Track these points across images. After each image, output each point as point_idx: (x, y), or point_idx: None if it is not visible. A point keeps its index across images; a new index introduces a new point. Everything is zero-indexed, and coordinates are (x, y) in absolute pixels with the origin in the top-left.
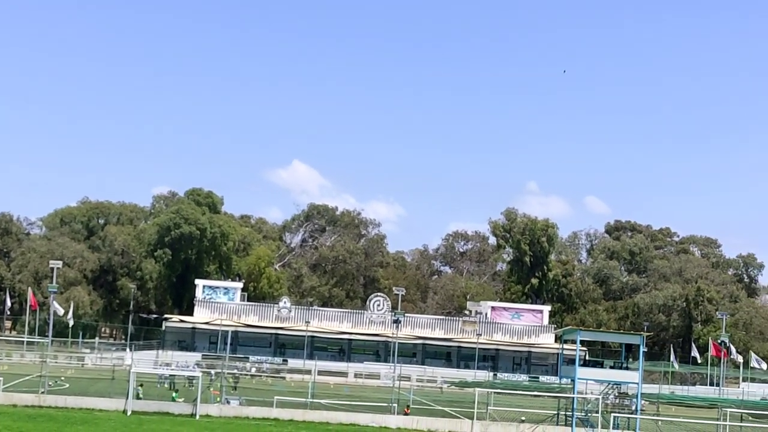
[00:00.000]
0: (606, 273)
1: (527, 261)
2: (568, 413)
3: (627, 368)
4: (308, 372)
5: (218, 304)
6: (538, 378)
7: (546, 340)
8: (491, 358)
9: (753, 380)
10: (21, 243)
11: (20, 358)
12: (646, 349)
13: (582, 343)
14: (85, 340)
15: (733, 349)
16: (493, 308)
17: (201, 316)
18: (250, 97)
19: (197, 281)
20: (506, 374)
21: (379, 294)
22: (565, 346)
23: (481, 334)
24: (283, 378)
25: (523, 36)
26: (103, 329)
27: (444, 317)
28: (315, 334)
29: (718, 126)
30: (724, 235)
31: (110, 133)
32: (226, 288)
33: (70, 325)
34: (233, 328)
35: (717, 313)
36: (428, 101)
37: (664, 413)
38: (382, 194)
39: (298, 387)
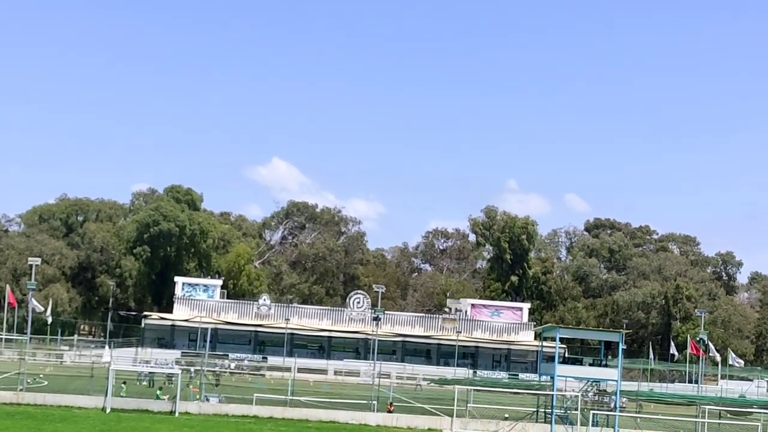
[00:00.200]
0: (585, 270)
1: (507, 258)
2: (547, 410)
3: (606, 365)
4: (288, 369)
5: (198, 301)
6: (517, 375)
7: (525, 338)
8: (471, 356)
9: (731, 377)
10: None
11: None
12: (625, 347)
13: (561, 340)
14: (64, 338)
15: (711, 346)
16: (472, 306)
17: (180, 314)
18: (230, 94)
19: (177, 278)
20: (486, 371)
21: (359, 291)
22: (545, 343)
23: (460, 332)
24: (263, 375)
25: (503, 35)
26: (82, 326)
27: (424, 315)
28: (295, 332)
29: (697, 125)
30: (703, 233)
31: (89, 129)
32: (205, 285)
33: (49, 323)
34: (213, 326)
35: (696, 310)
36: (408, 99)
37: (643, 411)
38: (362, 192)
39: (277, 384)
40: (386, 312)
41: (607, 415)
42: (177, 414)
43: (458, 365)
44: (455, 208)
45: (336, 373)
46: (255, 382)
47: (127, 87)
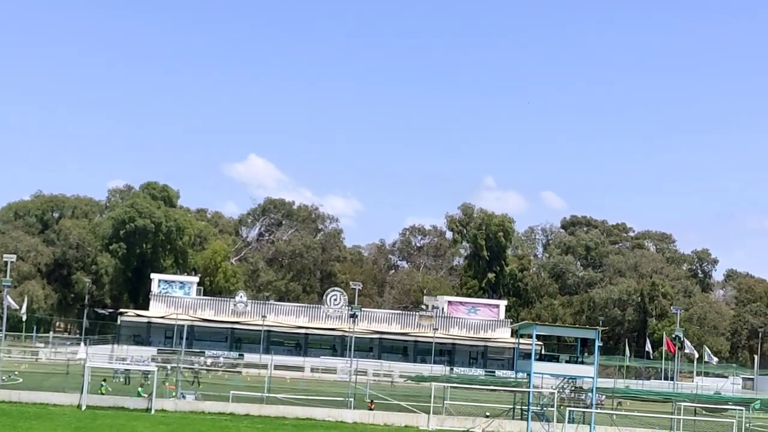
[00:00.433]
0: (562, 268)
1: (484, 256)
2: (523, 407)
3: (582, 362)
4: (264, 366)
5: (174, 298)
6: (494, 372)
7: (502, 335)
8: (447, 353)
9: (707, 374)
10: None
11: None
12: (601, 344)
13: (538, 337)
14: (39, 335)
15: (687, 343)
16: (449, 303)
17: (156, 311)
18: (207, 90)
19: (153, 275)
20: (462, 368)
21: (335, 288)
22: (521, 340)
23: (437, 329)
24: (239, 372)
25: (482, 34)
26: (57, 323)
27: (401, 312)
28: (271, 329)
29: (673, 123)
30: (678, 231)
31: (65, 125)
32: (181, 282)
33: (24, 320)
34: (189, 323)
35: (671, 307)
36: (386, 96)
37: (614, 407)
38: (339, 189)
39: (254, 381)
40: (363, 309)
41: (584, 412)
42: (153, 411)
43: (435, 362)
44: (432, 205)
45: (313, 370)
46: (231, 380)
47: (103, 83)
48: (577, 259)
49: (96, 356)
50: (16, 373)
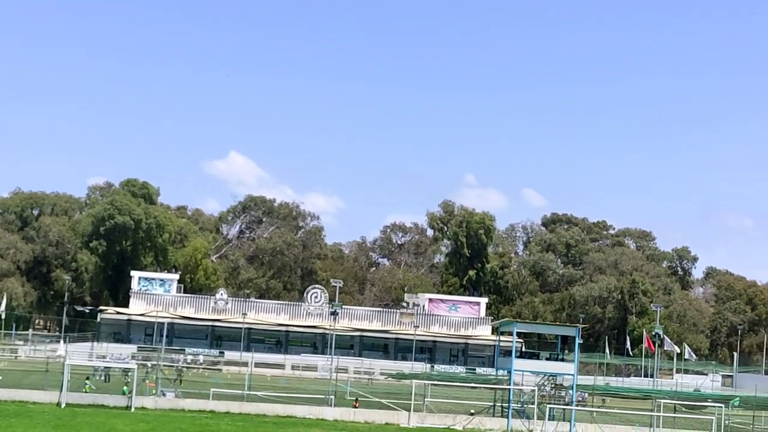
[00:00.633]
0: (542, 265)
1: (465, 253)
2: (504, 404)
3: (563, 360)
4: (245, 364)
5: (154, 295)
6: (474, 370)
7: (483, 332)
8: (428, 350)
9: (686, 372)
10: None
11: None
12: (581, 341)
13: (518, 334)
14: (19, 332)
15: (667, 340)
16: (430, 300)
17: (137, 308)
18: (188, 87)
19: (133, 273)
20: (443, 366)
21: (316, 286)
22: (502, 337)
23: (418, 326)
24: (220, 370)
25: (461, 32)
26: (36, 321)
27: (381, 309)
28: (252, 326)
29: (653, 122)
30: (658, 229)
31: (45, 122)
32: (162, 280)
33: (3, 317)
34: (169, 320)
35: (651, 305)
36: (366, 94)
37: (599, 404)
38: (320, 186)
39: (234, 379)
40: (344, 306)
41: (564, 409)
42: (133, 409)
43: (416, 360)
44: (413, 203)
45: (293, 367)
46: (212, 377)
47: (83, 80)
48: (558, 256)
49: (76, 354)
50: None
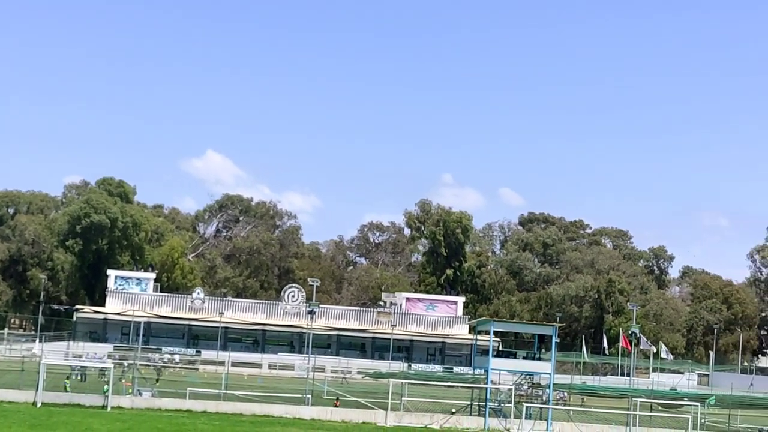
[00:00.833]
0: (519, 264)
1: (442, 252)
2: (481, 403)
3: (540, 359)
4: (222, 363)
5: (130, 294)
6: (452, 368)
7: (460, 331)
8: (405, 349)
9: (662, 370)
10: None
11: None
12: (558, 340)
13: (495, 333)
14: None
15: (643, 339)
16: (407, 299)
17: (113, 307)
18: (165, 85)
19: (109, 272)
20: (420, 365)
21: (293, 285)
22: (479, 336)
23: (395, 325)
24: (197, 369)
25: (439, 31)
26: (12, 320)
27: (359, 308)
28: (229, 325)
29: (630, 123)
30: (635, 228)
31: (20, 120)
32: (138, 278)
33: None
34: (146, 319)
35: (628, 304)
36: (344, 92)
37: (576, 403)
38: (297, 185)
39: (211, 378)
40: (321, 306)
41: (540, 408)
42: (109, 408)
43: (393, 359)
44: (391, 202)
45: (270, 366)
46: (189, 376)
47: (61, 78)
48: (535, 255)
49: (52, 353)
50: None
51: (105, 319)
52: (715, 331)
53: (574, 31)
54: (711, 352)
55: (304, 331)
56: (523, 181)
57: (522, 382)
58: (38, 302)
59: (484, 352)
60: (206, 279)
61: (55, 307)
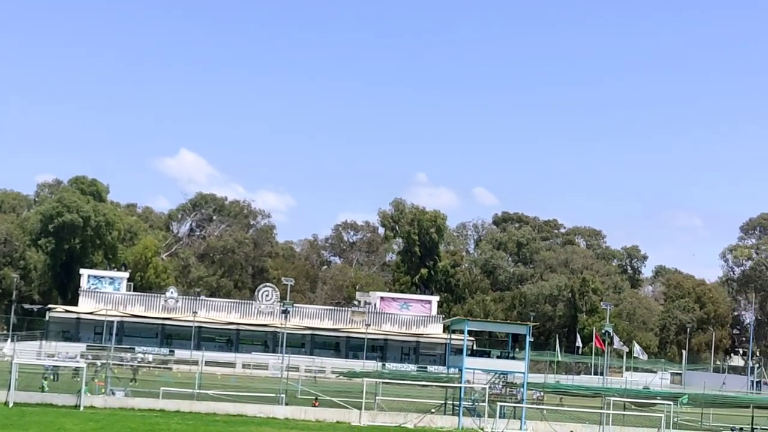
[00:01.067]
0: (493, 264)
1: (416, 251)
2: (455, 403)
3: (513, 358)
4: (195, 363)
5: (103, 294)
6: (426, 368)
7: (434, 330)
8: (380, 348)
9: (636, 370)
10: None
11: None
12: (532, 339)
13: (469, 333)
14: None
15: (616, 338)
16: (382, 298)
17: (86, 307)
18: (137, 83)
19: (82, 271)
20: (395, 364)
21: (267, 284)
22: (453, 336)
23: (369, 325)
24: (170, 369)
25: (412, 31)
26: None
27: (333, 308)
28: (202, 325)
29: (603, 123)
30: (608, 227)
31: None
32: (111, 278)
33: None
34: (119, 319)
35: (601, 303)
36: (318, 91)
37: (549, 402)
38: (271, 184)
39: (185, 378)
40: (295, 305)
41: (514, 406)
42: (82, 408)
43: (367, 358)
44: (365, 201)
45: (244, 366)
46: (162, 376)
47: (32, 75)
48: (509, 255)
49: (24, 352)
50: None
51: (78, 318)
52: (688, 330)
53: (545, 31)
54: (684, 351)
55: (278, 330)
56: (497, 180)
57: (496, 382)
58: (10, 301)
59: (459, 351)
60: (180, 278)
61: (28, 306)
